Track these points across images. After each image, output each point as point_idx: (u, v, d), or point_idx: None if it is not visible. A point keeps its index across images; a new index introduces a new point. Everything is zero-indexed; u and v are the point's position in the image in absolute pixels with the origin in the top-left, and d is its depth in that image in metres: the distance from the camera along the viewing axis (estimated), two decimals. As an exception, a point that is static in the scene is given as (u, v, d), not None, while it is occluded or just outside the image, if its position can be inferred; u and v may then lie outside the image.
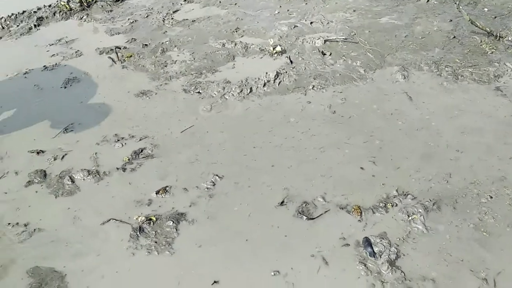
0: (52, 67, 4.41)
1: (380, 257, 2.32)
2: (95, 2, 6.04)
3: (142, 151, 3.16)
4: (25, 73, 4.33)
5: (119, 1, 6.10)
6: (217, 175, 2.89)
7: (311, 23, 4.88)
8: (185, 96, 3.78)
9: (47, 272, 2.34)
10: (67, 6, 5.77)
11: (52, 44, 4.92)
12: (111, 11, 5.81)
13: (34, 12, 5.76)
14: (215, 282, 2.25)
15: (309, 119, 3.35)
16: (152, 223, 2.58)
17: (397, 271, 2.24)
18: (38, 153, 3.20)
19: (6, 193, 2.88)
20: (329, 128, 3.24)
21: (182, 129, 3.35)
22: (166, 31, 5.05)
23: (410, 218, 2.54)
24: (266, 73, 3.88)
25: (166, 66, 4.28)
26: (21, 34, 5.27)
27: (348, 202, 2.65)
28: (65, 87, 4.04)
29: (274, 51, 4.29)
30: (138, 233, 2.52)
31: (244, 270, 2.30)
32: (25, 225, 2.63)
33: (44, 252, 2.45)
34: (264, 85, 3.80)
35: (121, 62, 4.42)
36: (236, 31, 4.84)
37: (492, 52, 4.00)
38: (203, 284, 2.24)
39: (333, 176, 2.84)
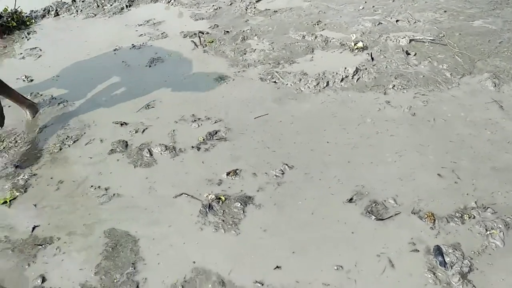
0: (140, 46, 4.66)
1: (451, 268, 2.21)
2: (183, -13, 6.27)
3: (216, 133, 3.25)
4: (115, 50, 4.62)
5: (205, -12, 6.28)
6: (286, 164, 2.90)
7: (396, 21, 4.71)
8: (261, 84, 3.82)
9: (122, 235, 2.50)
10: (157, -11, 6.05)
11: (141, 25, 5.20)
12: (197, -3, 6.01)
13: (127, -7, 6.11)
14: (277, 267, 2.27)
15: (387, 120, 3.25)
16: (221, 202, 2.65)
17: (469, 285, 2.12)
18: (121, 124, 3.40)
19: (91, 158, 3.11)
20: (408, 131, 3.12)
21: (255, 116, 3.39)
22: (248, 20, 5.13)
23: (488, 232, 2.39)
24: (345, 68, 3.81)
25: (245, 53, 4.35)
26: (113, 13, 5.61)
27: (421, 207, 2.55)
28: (149, 66, 4.26)
29: (355, 47, 4.20)
30: (207, 209, 2.61)
31: (307, 260, 2.30)
32: (106, 189, 2.82)
33: (121, 216, 2.62)
34: (342, 80, 3.73)
35: (203, 47, 4.56)
36: (318, 24, 4.80)
37: None
38: (265, 267, 2.27)
39: (408, 180, 2.74)
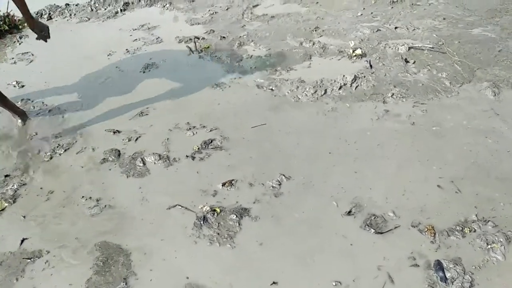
0: (134, 51, 4.58)
1: (452, 284, 2.15)
2: (179, -9, 6.21)
3: (211, 141, 3.17)
4: (108, 55, 4.54)
5: (202, -8, 6.22)
6: (283, 175, 2.83)
7: (395, 28, 4.67)
8: (258, 91, 3.76)
9: (113, 248, 2.41)
10: (152, -7, 5.98)
11: (135, 29, 5.12)
12: (193, 1, 5.93)
13: (122, -3, 6.03)
14: (274, 283, 2.20)
15: (386, 129, 3.19)
16: (216, 214, 2.58)
17: (471, 303, 2.06)
18: (114, 132, 3.32)
19: (82, 167, 3.02)
20: (407, 141, 3.07)
21: (252, 125, 3.32)
22: (245, 25, 5.07)
23: (489, 246, 2.33)
24: (343, 75, 3.75)
25: (241, 60, 4.29)
26: (107, 17, 5.53)
27: (421, 220, 2.49)
28: (144, 72, 4.18)
29: (354, 54, 4.15)
30: (202, 222, 2.53)
31: (305, 275, 2.23)
32: (97, 200, 2.74)
33: (112, 229, 2.54)
34: (340, 88, 3.68)
35: (198, 52, 4.49)
36: (315, 30, 4.74)
37: None
38: (261, 282, 2.20)
39: (408, 192, 2.68)
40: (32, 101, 3.76)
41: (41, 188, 2.85)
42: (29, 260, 2.37)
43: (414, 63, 3.97)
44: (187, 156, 3.06)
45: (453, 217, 2.50)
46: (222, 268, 2.29)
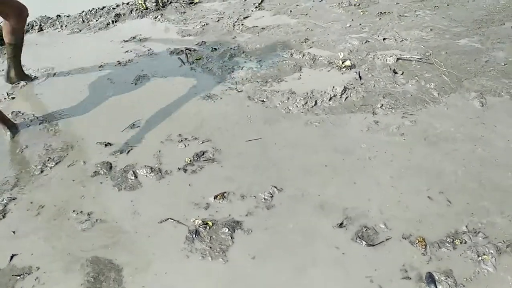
0: (125, 62, 4.59)
1: (444, 297, 2.17)
2: (170, 3, 6.25)
3: (204, 154, 3.18)
4: (100, 67, 4.54)
5: (193, 4, 6.27)
6: (275, 187, 2.84)
7: (383, 39, 4.73)
8: (249, 103, 3.78)
9: (104, 263, 2.40)
10: (143, 5, 6.01)
11: (127, 41, 5.13)
12: (184, 12, 5.98)
13: (113, 8, 6.05)
14: (266, 297, 2.20)
15: (375, 141, 3.22)
16: (208, 227, 2.58)
17: (462, 315, 2.08)
18: (106, 145, 3.31)
19: (73, 180, 3.01)
20: (396, 152, 3.10)
21: (244, 136, 3.34)
22: (236, 37, 5.11)
23: (480, 258, 2.36)
24: (333, 87, 3.79)
25: (232, 71, 4.31)
26: (99, 29, 5.54)
27: (412, 232, 2.51)
28: (135, 84, 4.19)
29: (343, 65, 4.20)
30: (194, 236, 2.53)
31: (297, 290, 2.23)
32: (88, 215, 2.72)
33: (104, 243, 2.52)
34: (330, 99, 3.71)
35: (190, 64, 4.51)
36: (305, 42, 4.79)
37: None
38: (254, 298, 2.20)
39: (399, 203, 2.70)
40: (23, 114, 3.74)
41: (31, 203, 2.83)
42: (18, 277, 2.35)
43: (402, 74, 4.03)
44: (179, 169, 3.06)
45: (444, 228, 2.53)
46: (215, 283, 2.28)
